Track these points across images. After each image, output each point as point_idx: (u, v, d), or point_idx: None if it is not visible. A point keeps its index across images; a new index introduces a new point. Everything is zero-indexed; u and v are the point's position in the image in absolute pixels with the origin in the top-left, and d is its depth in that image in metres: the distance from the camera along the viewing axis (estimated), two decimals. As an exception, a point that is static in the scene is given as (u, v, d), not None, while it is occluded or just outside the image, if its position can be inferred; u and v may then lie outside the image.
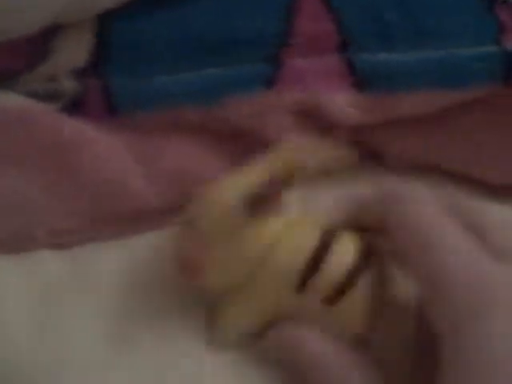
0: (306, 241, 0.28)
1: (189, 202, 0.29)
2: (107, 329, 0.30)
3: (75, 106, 0.32)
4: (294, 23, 0.31)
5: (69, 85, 0.32)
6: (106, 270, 0.31)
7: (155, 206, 0.32)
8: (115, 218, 0.32)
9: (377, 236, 0.29)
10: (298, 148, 0.31)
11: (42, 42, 0.32)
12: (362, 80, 0.32)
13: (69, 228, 0.32)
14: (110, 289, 0.31)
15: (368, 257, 0.28)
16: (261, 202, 0.27)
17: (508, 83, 0.32)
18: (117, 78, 0.31)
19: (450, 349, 0.25)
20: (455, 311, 0.25)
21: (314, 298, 0.27)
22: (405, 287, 0.29)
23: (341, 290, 0.27)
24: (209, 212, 0.27)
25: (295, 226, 0.28)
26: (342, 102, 0.32)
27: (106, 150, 0.31)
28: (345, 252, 0.28)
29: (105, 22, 0.32)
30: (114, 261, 0.32)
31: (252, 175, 0.27)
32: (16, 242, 0.31)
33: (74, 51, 0.32)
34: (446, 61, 0.32)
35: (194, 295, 0.30)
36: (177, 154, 0.32)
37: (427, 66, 0.32)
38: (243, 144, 0.32)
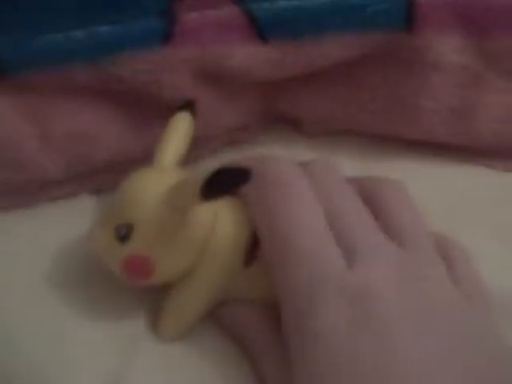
0: (241, 215, 0.27)
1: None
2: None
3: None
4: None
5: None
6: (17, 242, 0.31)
7: (52, 173, 0.31)
8: (14, 189, 0.31)
9: None
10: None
11: None
12: (264, 30, 0.31)
13: None
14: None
15: None
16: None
17: (409, 31, 0.31)
18: (2, 36, 0.29)
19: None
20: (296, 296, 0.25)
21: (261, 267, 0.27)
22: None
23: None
24: (143, 208, 0.26)
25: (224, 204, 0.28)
26: (244, 56, 0.31)
27: None
28: None
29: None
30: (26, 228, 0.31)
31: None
32: None
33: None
34: (347, 2, 0.30)
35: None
36: (70, 115, 0.30)
37: (328, 9, 0.30)
38: (140, 105, 0.31)
